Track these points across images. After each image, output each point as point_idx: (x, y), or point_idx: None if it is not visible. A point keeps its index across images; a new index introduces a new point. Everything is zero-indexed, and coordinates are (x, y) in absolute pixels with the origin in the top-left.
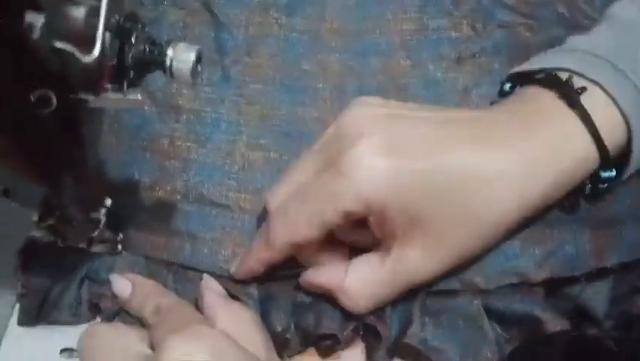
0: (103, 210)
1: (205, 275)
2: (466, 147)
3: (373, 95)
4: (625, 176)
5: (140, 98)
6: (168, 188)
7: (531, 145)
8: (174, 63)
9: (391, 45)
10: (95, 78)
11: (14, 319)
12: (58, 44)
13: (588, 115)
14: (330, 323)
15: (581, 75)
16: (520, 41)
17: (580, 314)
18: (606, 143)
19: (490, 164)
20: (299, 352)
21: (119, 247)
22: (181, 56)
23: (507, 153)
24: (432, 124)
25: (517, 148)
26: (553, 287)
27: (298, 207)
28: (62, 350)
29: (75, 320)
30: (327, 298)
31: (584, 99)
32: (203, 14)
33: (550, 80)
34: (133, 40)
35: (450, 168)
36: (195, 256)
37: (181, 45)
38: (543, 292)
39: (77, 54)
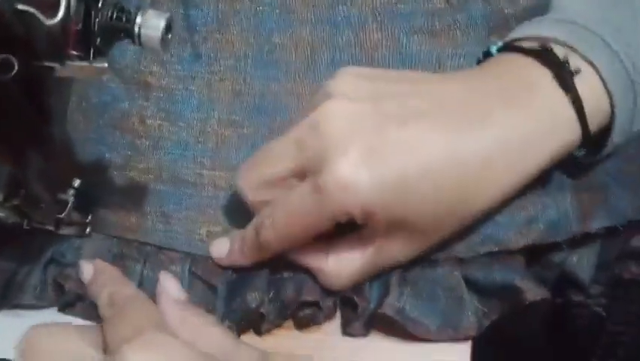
0: (71, 191)
1: (162, 273)
2: (447, 140)
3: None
4: (600, 156)
5: (106, 66)
6: (140, 167)
7: (515, 125)
8: (143, 30)
9: (363, 17)
10: (59, 44)
11: None
12: (21, 6)
13: (580, 101)
14: (311, 294)
15: (577, 53)
16: (497, 13)
17: (565, 282)
18: (590, 127)
19: (472, 154)
20: (276, 326)
21: (88, 229)
22: (150, 23)
23: (489, 137)
24: (412, 119)
25: (501, 130)
26: (536, 255)
27: (286, 215)
28: None
29: (39, 303)
30: (307, 271)
31: (578, 81)
32: None
33: (544, 55)
34: (99, 4)
35: (433, 168)
36: (169, 236)
37: (150, 12)
38: (524, 261)
39: (40, 16)
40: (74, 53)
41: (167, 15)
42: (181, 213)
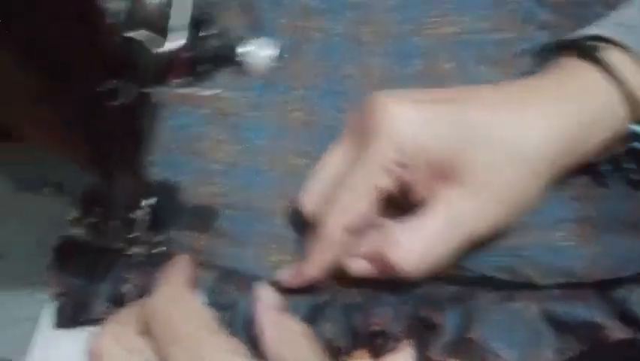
0: (143, 211)
1: (259, 283)
2: (496, 104)
3: None
4: None
5: (211, 93)
6: (211, 191)
7: (569, 112)
8: (248, 59)
9: (433, 48)
10: (166, 70)
11: (45, 321)
12: (133, 34)
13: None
14: (379, 320)
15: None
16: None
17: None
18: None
19: (524, 108)
20: (348, 355)
21: (159, 249)
22: (255, 52)
23: (542, 100)
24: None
25: (551, 95)
26: (601, 290)
27: (345, 188)
28: None
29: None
30: (378, 292)
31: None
32: (245, 19)
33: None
34: (207, 33)
35: (484, 114)
36: (240, 259)
37: (255, 41)
38: (592, 296)
39: (155, 44)
40: (178, 80)
41: (272, 43)
42: (250, 239)
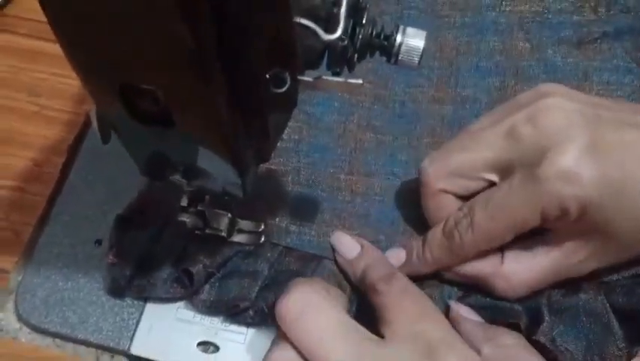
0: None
1: (453, 303)
2: None
3: (490, 75)
4: None
5: (361, 83)
6: (278, 169)
7: None
8: (403, 48)
9: (511, 25)
10: (321, 59)
11: (150, 310)
12: (303, 20)
13: None
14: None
15: None
16: None
17: None
18: None
19: None
20: None
21: (263, 238)
22: (410, 42)
23: None
24: (629, 127)
25: None
26: None
27: (491, 212)
28: (199, 343)
29: (168, 295)
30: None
31: None
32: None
33: None
34: (364, 21)
35: None
36: (302, 238)
37: (409, 31)
38: None
39: (320, 31)
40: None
41: (425, 34)
42: (316, 216)
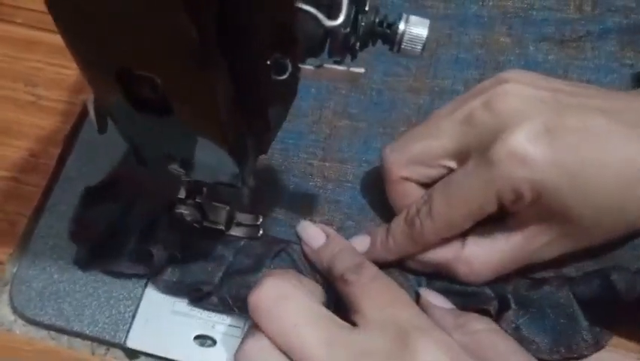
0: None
1: (423, 290)
2: (629, 140)
3: (470, 67)
4: None
5: (363, 71)
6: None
7: None
8: (406, 37)
9: (493, 18)
10: (322, 47)
11: (147, 303)
12: (304, 6)
13: None
14: None
15: None
16: (634, 27)
17: None
18: None
19: None
20: None
21: (261, 231)
22: (413, 30)
23: None
24: (591, 113)
25: None
26: None
27: (448, 199)
28: (196, 337)
29: (131, 271)
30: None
31: None
32: None
33: None
34: (366, 8)
35: (612, 162)
36: (272, 223)
37: (413, 19)
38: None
39: (321, 17)
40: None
41: (429, 22)
42: (285, 202)
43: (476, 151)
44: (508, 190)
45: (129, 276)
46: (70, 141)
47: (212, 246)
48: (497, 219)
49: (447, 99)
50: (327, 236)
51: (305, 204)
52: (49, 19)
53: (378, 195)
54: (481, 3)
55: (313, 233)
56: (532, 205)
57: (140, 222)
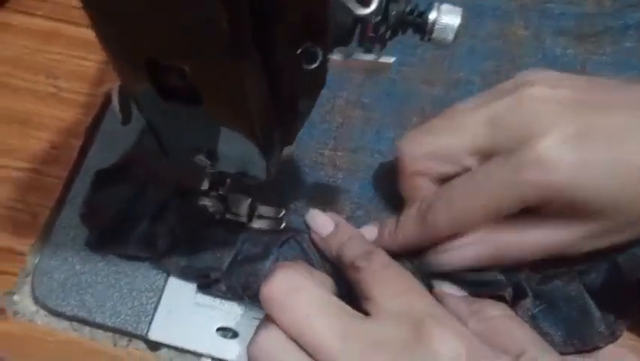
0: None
1: (437, 283)
2: None
3: (486, 59)
4: None
5: (393, 60)
6: None
7: None
8: (437, 26)
9: (510, 11)
10: (351, 36)
11: (169, 295)
12: None
13: None
14: None
15: None
16: None
17: None
18: None
19: None
20: None
21: (283, 224)
22: (444, 19)
23: None
24: (617, 111)
25: None
26: None
27: (467, 196)
28: (218, 328)
29: (138, 254)
30: None
31: None
32: None
33: None
34: None
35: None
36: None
37: (444, 7)
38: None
39: (353, 5)
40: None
41: (461, 10)
42: (295, 191)
43: (500, 154)
44: (535, 195)
45: (150, 266)
46: (91, 132)
47: (221, 232)
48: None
49: (462, 90)
50: (336, 224)
51: (315, 193)
52: (69, 11)
53: (389, 186)
54: None
55: (322, 221)
56: (560, 207)
57: (150, 207)
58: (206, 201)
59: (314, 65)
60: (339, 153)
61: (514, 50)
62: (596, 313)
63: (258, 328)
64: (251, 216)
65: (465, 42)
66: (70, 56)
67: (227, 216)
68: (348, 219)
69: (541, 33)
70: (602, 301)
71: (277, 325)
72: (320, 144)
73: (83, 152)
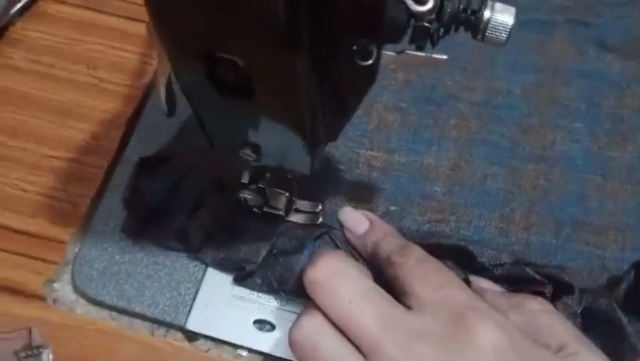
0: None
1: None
2: None
3: (528, 72)
4: None
5: (445, 57)
6: None
7: None
8: (491, 24)
9: (552, 24)
10: (404, 33)
11: (207, 287)
12: None
13: None
14: None
15: None
16: None
17: None
18: None
19: None
20: None
21: (320, 219)
22: (498, 18)
23: None
24: None
25: None
26: None
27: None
28: (255, 321)
29: (173, 245)
30: None
31: None
32: None
33: None
34: None
35: None
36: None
37: (498, 5)
38: None
39: (410, 2)
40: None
41: (514, 10)
42: (329, 189)
43: None
44: None
45: (188, 258)
46: (131, 124)
47: (259, 225)
48: None
49: (502, 100)
50: (371, 223)
51: (348, 192)
52: (108, 2)
53: (424, 183)
54: (541, 8)
55: (357, 219)
56: None
57: (189, 199)
58: (246, 194)
59: (368, 62)
60: (373, 153)
61: (556, 63)
62: (629, 328)
63: (301, 313)
64: (289, 209)
65: (505, 54)
66: (109, 47)
67: (265, 209)
68: (382, 215)
69: (584, 47)
70: (632, 310)
71: (320, 311)
72: (356, 144)
73: (124, 143)
